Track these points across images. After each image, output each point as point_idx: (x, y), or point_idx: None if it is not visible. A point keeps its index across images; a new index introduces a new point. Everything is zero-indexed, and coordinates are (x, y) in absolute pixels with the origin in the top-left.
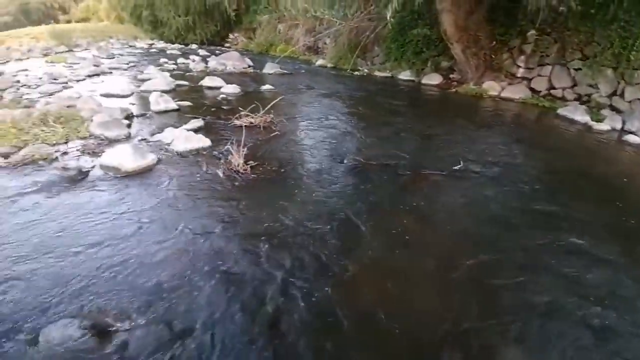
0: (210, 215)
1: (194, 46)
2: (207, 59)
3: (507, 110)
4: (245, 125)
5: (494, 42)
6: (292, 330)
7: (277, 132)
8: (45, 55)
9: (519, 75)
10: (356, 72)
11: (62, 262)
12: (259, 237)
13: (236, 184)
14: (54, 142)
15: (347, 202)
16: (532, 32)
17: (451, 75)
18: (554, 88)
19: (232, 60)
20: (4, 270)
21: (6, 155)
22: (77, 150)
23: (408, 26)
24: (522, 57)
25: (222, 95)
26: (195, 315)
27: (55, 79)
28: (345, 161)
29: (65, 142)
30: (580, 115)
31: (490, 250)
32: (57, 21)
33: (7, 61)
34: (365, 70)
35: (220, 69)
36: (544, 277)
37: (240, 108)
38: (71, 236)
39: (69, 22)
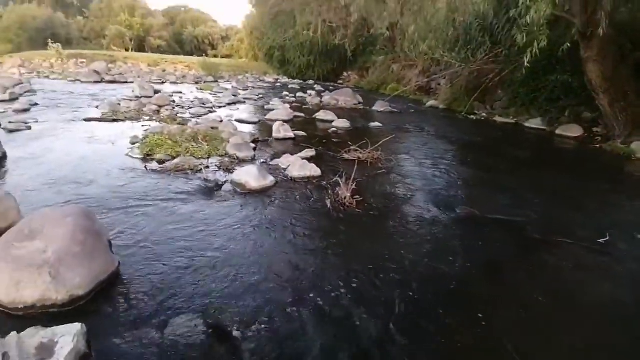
0: (318, 241)
1: (311, 82)
2: (322, 94)
3: None
4: (353, 160)
5: None
6: None
7: (383, 170)
8: (196, 82)
9: None
10: (472, 116)
11: (196, 259)
12: (360, 273)
13: (341, 216)
14: (200, 156)
15: (457, 259)
16: None
17: (595, 129)
18: None
19: (344, 97)
20: (147, 261)
21: (162, 162)
22: (216, 165)
23: (543, 71)
24: None
25: (333, 129)
26: (296, 339)
27: (203, 104)
28: (457, 210)
29: (208, 158)
30: None
31: None
32: (206, 55)
33: (163, 82)
34: (484, 115)
35: (333, 104)
36: None
37: (349, 142)
38: (205, 237)
39: (215, 56)
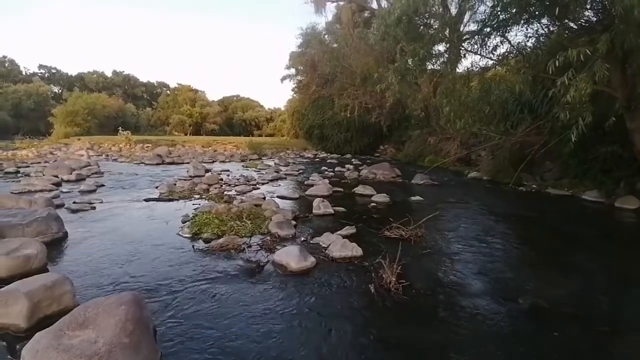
0: (361, 334)
1: (348, 156)
2: (360, 168)
3: None
4: (395, 238)
5: None
6: None
7: (429, 250)
8: (243, 160)
9: None
10: (521, 188)
11: (233, 348)
12: None
13: (387, 304)
14: (243, 235)
15: None
16: None
17: None
18: None
19: (382, 170)
20: (187, 351)
21: (208, 241)
22: (258, 244)
23: (591, 142)
24: None
25: (372, 204)
26: None
27: (248, 181)
28: (520, 301)
29: (251, 236)
30: None
31: None
32: (252, 134)
33: (214, 161)
34: (534, 186)
35: (371, 177)
36: None
37: (390, 218)
38: (244, 324)
39: (260, 135)
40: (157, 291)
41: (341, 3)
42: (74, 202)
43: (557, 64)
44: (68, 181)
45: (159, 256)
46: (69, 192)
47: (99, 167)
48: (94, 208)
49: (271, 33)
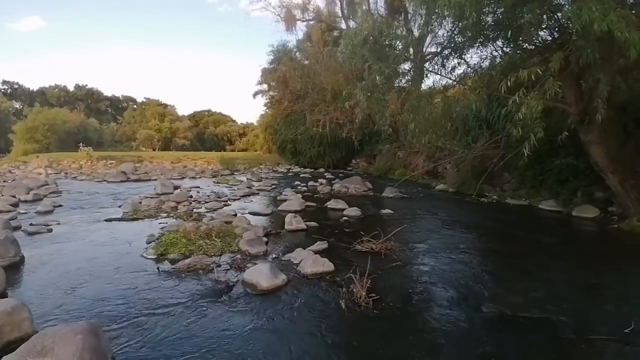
0: (328, 351)
1: (321, 170)
2: (332, 182)
3: None
4: (366, 251)
5: None
6: None
7: (399, 262)
8: (214, 176)
9: None
10: (483, 199)
11: None
12: None
13: (357, 319)
14: (212, 254)
15: None
16: None
17: (610, 208)
18: None
19: (354, 184)
20: None
21: (174, 262)
22: (227, 264)
23: (546, 154)
24: None
25: (344, 218)
26: None
27: (219, 197)
28: (483, 309)
29: (220, 255)
30: None
31: None
32: (224, 150)
33: (183, 177)
34: (494, 197)
35: (343, 192)
36: None
37: (361, 232)
38: (210, 353)
39: (232, 151)
40: (116, 317)
41: (311, 22)
42: (31, 225)
43: (508, 84)
44: (25, 201)
45: (120, 280)
46: (26, 212)
47: (57, 186)
48: (50, 230)
49: (242, 48)
